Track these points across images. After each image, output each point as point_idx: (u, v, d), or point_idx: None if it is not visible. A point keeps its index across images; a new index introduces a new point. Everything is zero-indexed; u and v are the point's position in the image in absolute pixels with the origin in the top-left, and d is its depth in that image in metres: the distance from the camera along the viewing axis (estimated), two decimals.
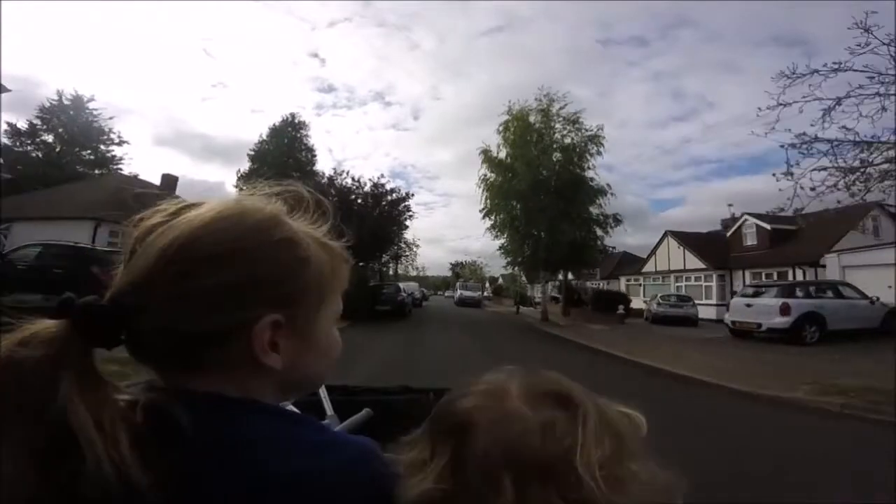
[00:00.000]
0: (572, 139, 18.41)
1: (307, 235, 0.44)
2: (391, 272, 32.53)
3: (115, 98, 75.87)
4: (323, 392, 0.93)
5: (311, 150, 33.14)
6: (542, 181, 17.61)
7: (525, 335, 14.82)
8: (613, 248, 18.59)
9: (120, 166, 30.66)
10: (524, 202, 17.75)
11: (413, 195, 23.05)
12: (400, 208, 22.87)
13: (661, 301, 20.15)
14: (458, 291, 35.70)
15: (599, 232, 18.31)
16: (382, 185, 22.62)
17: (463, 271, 66.24)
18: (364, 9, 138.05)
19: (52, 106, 28.96)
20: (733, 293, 22.73)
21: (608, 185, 18.41)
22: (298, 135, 33.30)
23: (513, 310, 29.86)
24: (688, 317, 19.19)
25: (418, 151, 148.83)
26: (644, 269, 29.37)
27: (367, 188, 22.43)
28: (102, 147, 31.56)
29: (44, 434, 0.33)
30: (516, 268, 20.83)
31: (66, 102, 29.43)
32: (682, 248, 26.22)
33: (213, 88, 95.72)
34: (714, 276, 23.89)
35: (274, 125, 33.92)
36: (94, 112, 30.36)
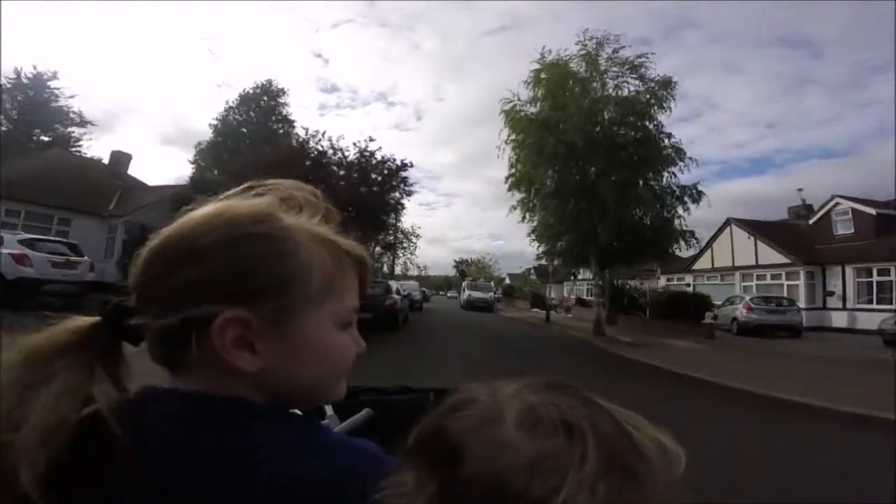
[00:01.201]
0: (633, 90, 12.93)
1: (303, 231, 0.42)
2: (385, 268, 27.01)
3: (119, 97, 74.86)
4: None
5: (288, 120, 27.60)
6: (595, 139, 12.06)
7: (584, 360, 9.51)
8: (694, 234, 13.02)
9: (79, 147, 28.41)
10: (573, 163, 12.17)
11: (411, 165, 17.53)
12: (394, 182, 17.35)
13: (753, 305, 14.69)
14: (466, 292, 29.41)
15: (679, 210, 12.71)
16: (371, 154, 17.13)
17: (469, 269, 59.94)
18: (368, 9, 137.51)
19: (9, 86, 26.74)
20: (828, 294, 17.21)
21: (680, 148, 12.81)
22: (273, 103, 27.68)
23: (534, 315, 24.33)
24: (791, 325, 14.51)
25: (421, 152, 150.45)
26: (695, 267, 23.79)
27: (350, 155, 16.91)
28: (60, 127, 28.81)
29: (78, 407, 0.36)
30: (555, 259, 14.89)
31: (24, 81, 27.36)
32: (752, 238, 20.73)
33: (218, 88, 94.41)
34: (801, 274, 18.42)
35: (245, 91, 28.18)
36: (56, 91, 28.24)
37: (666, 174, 12.58)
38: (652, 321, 15.65)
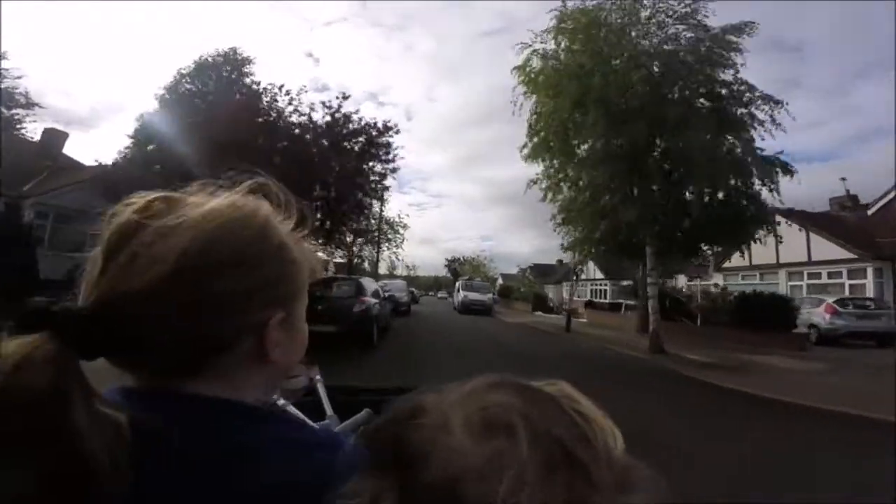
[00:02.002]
0: (686, 41, 9.39)
1: (287, 234, 0.45)
2: (367, 265, 23.21)
3: (111, 96, 73.95)
4: (323, 392, 0.95)
5: (255, 94, 23.48)
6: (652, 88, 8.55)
7: (667, 395, 6.21)
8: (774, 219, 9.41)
9: (22, 130, 24.33)
10: (620, 118, 8.58)
11: (398, 130, 13.82)
12: (374, 151, 13.65)
13: (840, 309, 11.44)
14: (461, 293, 25.26)
15: (757, 185, 9.14)
16: (346, 117, 13.45)
17: (462, 268, 54.56)
18: (361, 9, 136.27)
19: None
20: None
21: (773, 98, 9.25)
22: (237, 75, 23.62)
23: (541, 320, 20.76)
24: (888, 332, 11.34)
25: (411, 152, 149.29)
26: (727, 265, 20.46)
27: (319, 118, 13.21)
28: (4, 110, 25.00)
29: (55, 461, 0.30)
30: (591, 248, 10.91)
31: None
32: (803, 231, 17.47)
33: None
34: (869, 271, 15.19)
35: (202, 59, 24.09)
36: (2, 71, 23.76)
37: (751, 134, 8.98)
38: (708, 330, 12.21)
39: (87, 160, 20.10)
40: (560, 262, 45.66)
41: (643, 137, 8.38)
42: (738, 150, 8.78)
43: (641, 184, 8.93)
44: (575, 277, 29.26)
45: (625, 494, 0.27)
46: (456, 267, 60.28)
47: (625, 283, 19.70)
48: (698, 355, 9.04)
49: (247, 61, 24.65)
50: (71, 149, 24.62)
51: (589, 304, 23.29)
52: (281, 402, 0.77)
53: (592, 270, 28.84)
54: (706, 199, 8.68)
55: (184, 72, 23.27)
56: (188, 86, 22.84)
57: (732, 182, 8.68)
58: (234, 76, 23.87)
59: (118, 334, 0.36)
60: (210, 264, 0.38)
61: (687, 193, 8.82)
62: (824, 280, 16.72)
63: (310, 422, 0.70)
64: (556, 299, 30.40)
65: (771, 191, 8.89)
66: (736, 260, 20.33)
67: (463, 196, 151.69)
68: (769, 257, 18.90)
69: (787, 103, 9.00)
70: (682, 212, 8.70)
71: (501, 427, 0.29)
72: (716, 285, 19.88)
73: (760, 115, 8.97)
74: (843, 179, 21.65)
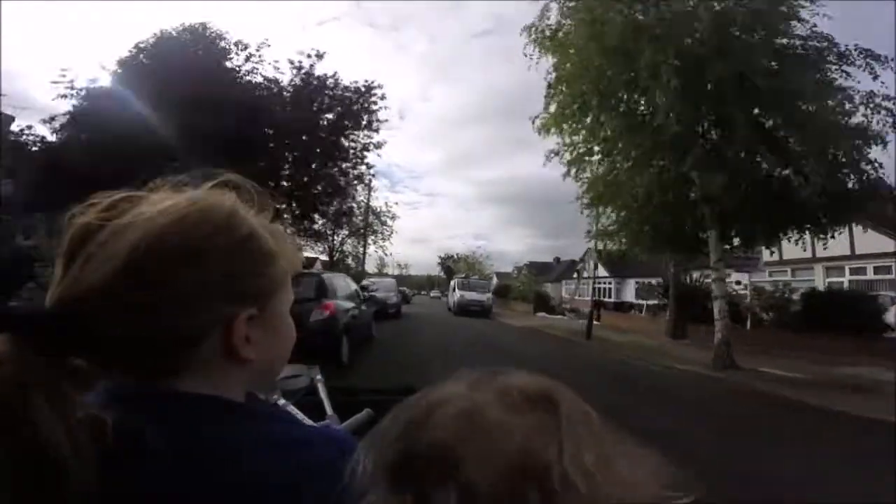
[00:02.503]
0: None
1: (261, 227, 0.43)
2: (352, 261, 20.84)
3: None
4: (323, 392, 0.95)
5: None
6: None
7: (755, 426, 4.19)
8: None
9: None
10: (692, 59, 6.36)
11: (383, 95, 11.48)
12: (353, 121, 11.34)
13: None
14: (457, 293, 22.96)
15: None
16: (321, 81, 11.17)
17: (457, 266, 50.66)
18: (355, 9, 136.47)
19: None
20: None
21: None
22: (202, 52, 20.98)
23: (549, 322, 18.56)
24: None
25: (403, 151, 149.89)
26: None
27: (285, 80, 10.89)
28: None
29: (14, 461, 0.31)
30: (637, 233, 8.41)
31: None
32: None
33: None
34: None
35: (164, 32, 21.46)
36: None
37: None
38: (766, 335, 10.13)
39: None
40: (557, 259, 43.74)
41: (733, 77, 6.06)
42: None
43: (726, 141, 6.53)
44: (577, 275, 27.24)
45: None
46: (450, 264, 56.05)
47: (653, 280, 17.39)
48: (781, 369, 6.89)
49: (218, 38, 22.04)
50: None
51: (599, 305, 21.14)
52: (281, 401, 0.77)
53: (593, 268, 26.83)
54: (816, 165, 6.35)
55: (142, 46, 20.64)
56: (145, 59, 20.22)
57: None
58: (200, 52, 21.29)
59: (77, 333, 0.35)
60: (162, 260, 0.37)
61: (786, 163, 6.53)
62: (871, 276, 14.75)
63: (310, 421, 0.67)
64: (556, 298, 28.36)
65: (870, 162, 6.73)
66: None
67: (456, 195, 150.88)
68: (799, 251, 16.96)
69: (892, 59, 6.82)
70: (785, 182, 6.42)
71: (539, 400, 0.29)
72: (737, 282, 17.88)
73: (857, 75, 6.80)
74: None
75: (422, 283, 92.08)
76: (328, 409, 0.90)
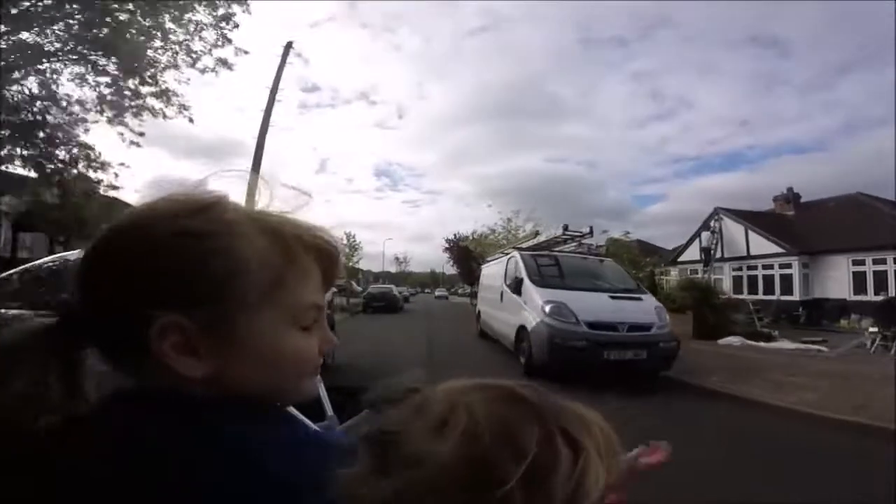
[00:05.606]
0: None
1: (249, 223, 0.39)
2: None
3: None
4: (323, 392, 0.94)
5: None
6: None
7: None
8: None
9: None
10: None
11: None
12: None
13: None
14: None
15: None
16: None
17: (478, 248, 24.63)
18: (349, 9, 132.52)
19: None
20: None
21: None
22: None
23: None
24: None
25: (404, 150, 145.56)
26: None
27: None
28: None
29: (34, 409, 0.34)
30: None
31: None
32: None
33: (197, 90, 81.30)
34: None
35: None
36: None
37: None
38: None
39: None
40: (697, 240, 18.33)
41: None
42: None
43: None
44: (704, 257, 16.89)
45: None
46: (467, 244, 28.77)
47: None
48: None
49: None
50: None
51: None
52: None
53: (744, 242, 17.11)
54: None
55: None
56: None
57: None
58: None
59: (82, 326, 0.37)
60: (101, 263, 0.37)
61: None
62: None
63: (309, 421, 0.62)
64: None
65: None
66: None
67: (456, 192, 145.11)
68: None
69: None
70: None
71: (515, 399, 0.31)
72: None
73: None
74: None
75: (424, 280, 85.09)
76: (328, 410, 0.91)
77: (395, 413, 0.31)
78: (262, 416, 0.39)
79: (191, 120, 9.66)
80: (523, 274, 6.88)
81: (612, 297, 6.23)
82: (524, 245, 9.31)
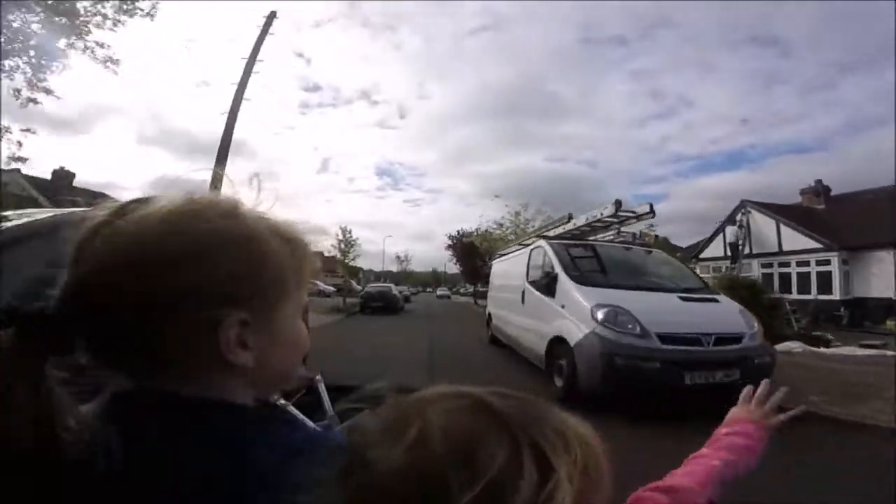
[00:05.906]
0: None
1: (267, 228, 0.42)
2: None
3: (99, 97, 67.89)
4: (323, 392, 0.98)
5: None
6: None
7: None
8: None
9: None
10: None
11: None
12: None
13: None
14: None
15: None
16: None
17: (484, 244, 22.45)
18: (350, 9, 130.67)
19: None
20: None
21: None
22: None
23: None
24: None
25: (405, 149, 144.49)
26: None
27: None
28: None
29: None
30: None
31: None
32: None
33: (197, 87, 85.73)
34: None
35: None
36: None
37: None
38: None
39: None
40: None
41: None
42: None
43: None
44: (731, 251, 16.20)
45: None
46: (473, 240, 26.14)
47: None
48: None
49: None
50: None
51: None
52: (281, 401, 0.76)
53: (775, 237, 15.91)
54: None
55: None
56: None
57: None
58: None
59: (78, 331, 0.37)
60: (146, 262, 0.36)
61: None
62: None
63: (309, 421, 0.64)
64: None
65: None
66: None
67: (457, 191, 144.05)
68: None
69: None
70: None
71: (480, 409, 0.30)
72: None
73: None
74: None
75: (426, 279, 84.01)
76: (328, 410, 0.93)
77: (365, 417, 0.31)
78: (261, 417, 0.42)
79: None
80: (558, 268, 5.23)
81: (683, 299, 4.70)
82: (551, 233, 7.18)
